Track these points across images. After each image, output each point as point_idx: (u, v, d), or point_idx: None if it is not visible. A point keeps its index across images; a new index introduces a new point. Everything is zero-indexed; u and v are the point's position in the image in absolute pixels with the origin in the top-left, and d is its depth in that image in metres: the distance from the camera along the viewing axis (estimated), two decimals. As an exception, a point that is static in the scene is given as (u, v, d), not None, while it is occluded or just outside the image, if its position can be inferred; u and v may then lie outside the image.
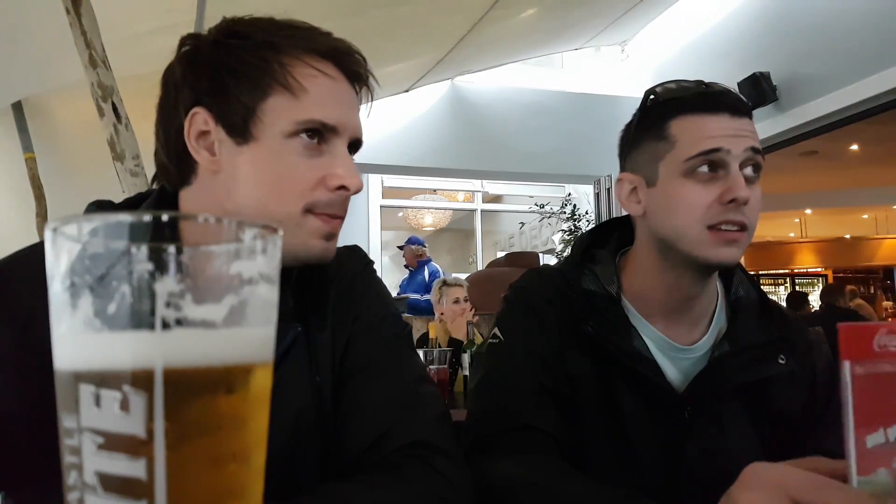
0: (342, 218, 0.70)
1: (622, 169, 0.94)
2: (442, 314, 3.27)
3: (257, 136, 0.65)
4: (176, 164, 0.68)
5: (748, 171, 0.83)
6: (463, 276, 3.80)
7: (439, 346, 2.74)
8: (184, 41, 0.69)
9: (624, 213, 0.97)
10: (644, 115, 0.90)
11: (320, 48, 0.68)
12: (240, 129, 0.65)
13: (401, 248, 6.10)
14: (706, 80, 0.87)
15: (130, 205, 0.74)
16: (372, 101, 0.75)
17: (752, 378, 0.86)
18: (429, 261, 6.00)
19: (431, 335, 2.89)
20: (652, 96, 0.89)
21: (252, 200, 0.65)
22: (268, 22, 0.68)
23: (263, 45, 0.66)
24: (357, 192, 0.68)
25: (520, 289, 0.96)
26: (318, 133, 0.66)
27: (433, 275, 5.91)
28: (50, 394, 0.37)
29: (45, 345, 0.56)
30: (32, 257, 0.65)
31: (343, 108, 0.68)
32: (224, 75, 0.65)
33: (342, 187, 0.67)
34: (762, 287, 0.98)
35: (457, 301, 3.24)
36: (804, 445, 0.86)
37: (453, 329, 3.19)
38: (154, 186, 0.74)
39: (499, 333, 0.92)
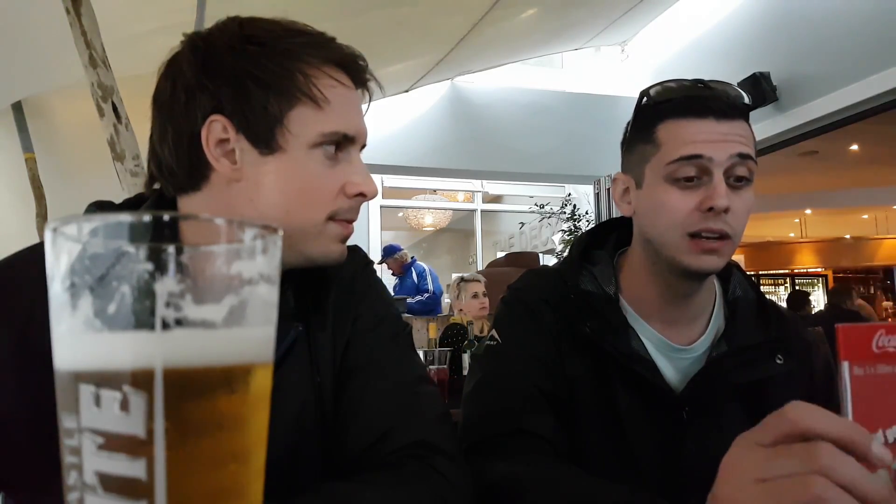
0: (355, 220, 0.73)
1: (621, 170, 0.95)
2: (461, 310, 3.29)
3: (284, 147, 0.65)
4: (187, 170, 0.66)
5: (733, 179, 0.81)
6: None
7: (438, 347, 2.74)
8: (193, 42, 0.67)
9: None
10: (636, 117, 0.91)
11: (336, 58, 0.69)
12: (265, 139, 0.65)
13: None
14: (707, 79, 0.86)
15: (130, 205, 0.73)
16: (370, 101, 0.75)
17: (750, 378, 0.86)
18: (413, 262, 5.96)
19: (431, 335, 2.89)
20: (645, 98, 0.89)
21: (277, 210, 0.66)
22: (279, 27, 0.68)
23: (284, 53, 0.65)
24: (373, 198, 0.71)
25: (517, 290, 0.96)
26: (338, 144, 0.68)
27: (421, 274, 5.90)
28: (50, 394, 0.37)
29: (45, 345, 0.56)
30: (32, 258, 0.65)
31: (358, 118, 0.71)
32: (248, 84, 0.64)
33: (360, 194, 0.69)
34: (761, 287, 0.98)
35: (475, 296, 3.27)
36: None
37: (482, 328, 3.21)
38: (146, 190, 0.72)
39: (496, 336, 0.92)
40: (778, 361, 0.87)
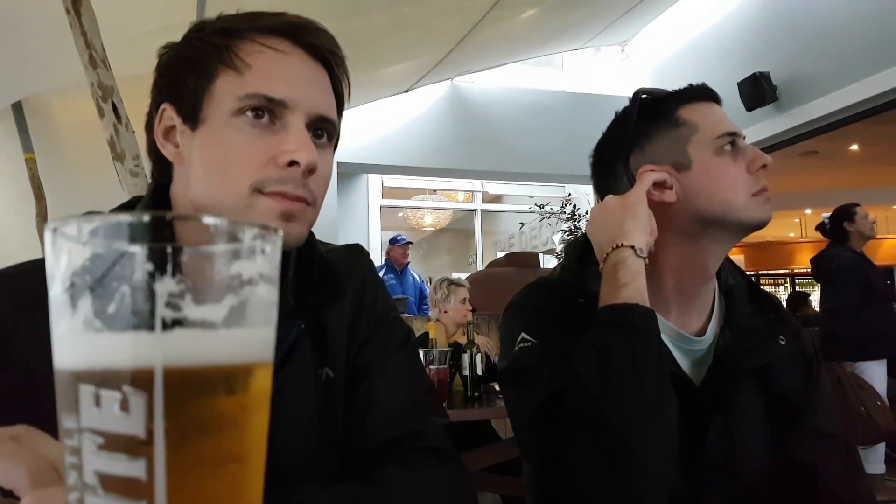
0: (305, 200, 0.65)
1: (627, 166, 0.93)
2: (445, 312, 3.27)
3: (205, 119, 0.64)
4: (155, 163, 0.71)
5: None
6: (463, 277, 3.80)
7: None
8: (159, 51, 0.70)
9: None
10: (644, 110, 0.93)
11: (271, 24, 0.66)
12: (191, 115, 0.65)
13: (398, 243, 5.68)
14: (696, 82, 0.95)
15: (125, 209, 0.74)
16: (349, 81, 0.73)
17: (761, 362, 0.89)
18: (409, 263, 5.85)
19: (432, 335, 2.89)
20: (644, 94, 0.95)
21: (202, 185, 0.64)
22: (236, 15, 0.68)
23: (216, 32, 0.66)
24: (310, 168, 0.63)
25: (525, 300, 0.95)
26: (268, 110, 0.63)
27: (420, 278, 5.83)
28: (34, 409, 0.37)
29: (28, 362, 0.56)
30: (17, 274, 0.66)
31: (294, 83, 0.64)
32: (178, 66, 0.66)
33: (293, 163, 0.62)
34: (761, 285, 1.00)
35: (463, 301, 3.26)
36: (798, 422, 0.89)
37: (457, 334, 3.19)
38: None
39: (528, 337, 0.89)
40: (781, 342, 0.90)
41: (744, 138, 0.92)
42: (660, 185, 0.90)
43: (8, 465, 0.33)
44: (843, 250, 3.72)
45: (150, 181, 0.75)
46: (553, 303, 0.91)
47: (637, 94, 0.95)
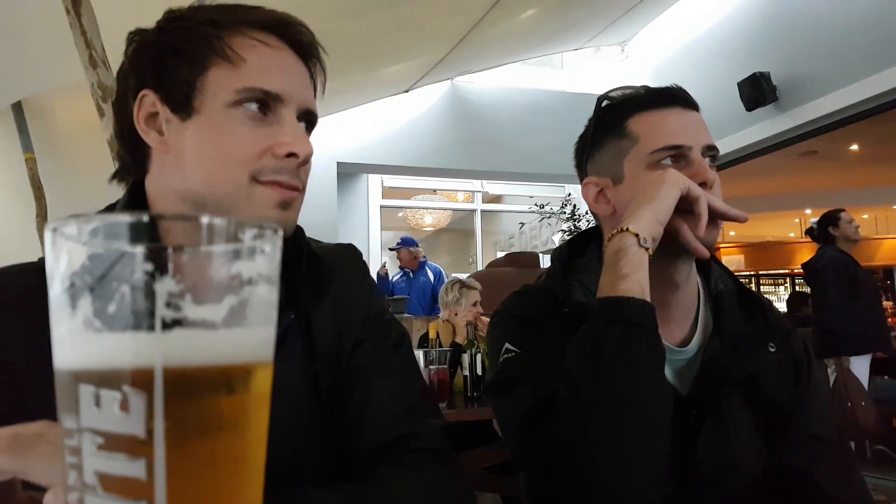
0: (298, 189, 0.68)
1: (585, 174, 0.95)
2: (455, 314, 3.27)
3: (199, 109, 0.65)
4: (131, 152, 0.70)
5: (709, 159, 0.86)
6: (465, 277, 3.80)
7: (439, 346, 2.74)
8: (131, 36, 0.70)
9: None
10: (601, 118, 0.92)
11: (260, 19, 0.67)
12: (182, 104, 0.65)
13: (394, 249, 5.87)
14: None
15: (110, 208, 0.73)
16: (325, 77, 0.74)
17: (749, 371, 0.87)
18: (426, 261, 5.89)
19: (431, 335, 2.89)
20: (606, 101, 0.92)
21: (199, 175, 0.65)
22: (214, 6, 0.69)
23: (204, 23, 0.66)
24: (307, 159, 0.67)
25: (510, 309, 0.94)
26: (262, 102, 0.65)
27: (438, 275, 5.80)
28: (21, 406, 0.38)
29: (13, 360, 0.57)
30: (2, 275, 0.66)
31: (287, 77, 0.67)
32: (166, 55, 0.66)
33: (291, 154, 0.65)
34: (761, 287, 0.98)
35: (475, 304, 3.27)
36: (788, 426, 0.88)
37: (462, 336, 3.19)
38: (115, 182, 0.74)
39: (512, 347, 0.87)
40: (770, 350, 0.88)
41: (704, 149, 0.85)
42: (601, 196, 0.90)
43: (48, 465, 0.36)
44: (829, 249, 3.90)
45: (112, 179, 0.74)
46: (536, 311, 0.90)
47: (599, 99, 0.93)
